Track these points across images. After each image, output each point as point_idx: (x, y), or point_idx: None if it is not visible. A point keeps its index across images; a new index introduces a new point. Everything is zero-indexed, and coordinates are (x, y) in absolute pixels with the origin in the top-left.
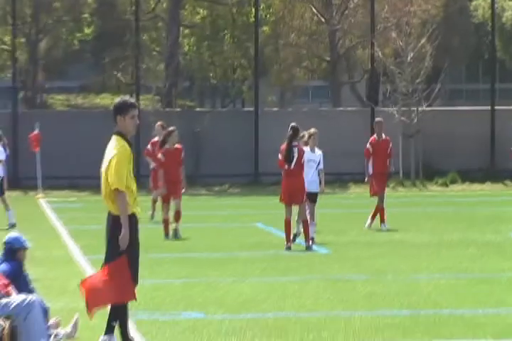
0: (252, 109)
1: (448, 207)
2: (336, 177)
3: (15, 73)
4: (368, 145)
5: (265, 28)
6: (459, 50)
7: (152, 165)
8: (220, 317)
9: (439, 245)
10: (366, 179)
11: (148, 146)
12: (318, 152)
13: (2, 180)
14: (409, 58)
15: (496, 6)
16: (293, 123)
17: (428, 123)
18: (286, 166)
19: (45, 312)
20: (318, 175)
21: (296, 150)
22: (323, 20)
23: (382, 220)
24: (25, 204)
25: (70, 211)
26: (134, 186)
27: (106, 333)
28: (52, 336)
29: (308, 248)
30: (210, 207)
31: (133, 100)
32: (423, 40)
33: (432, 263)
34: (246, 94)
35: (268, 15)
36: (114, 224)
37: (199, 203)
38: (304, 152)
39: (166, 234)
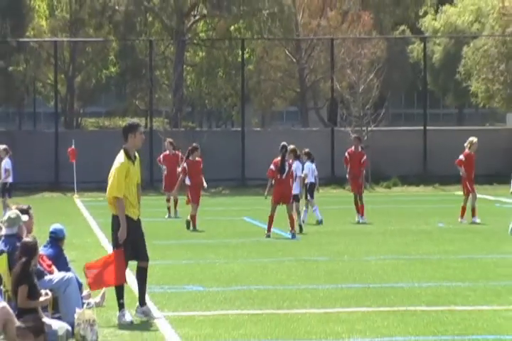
0: (239, 129)
1: (391, 204)
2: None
3: (56, 102)
4: (346, 155)
5: (250, 67)
6: (399, 83)
7: (164, 171)
8: (216, 290)
9: (384, 234)
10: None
11: (161, 156)
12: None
13: (11, 185)
14: (360, 89)
15: (427, 49)
16: (284, 143)
17: (375, 139)
18: (278, 176)
19: (80, 286)
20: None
21: (286, 164)
22: (294, 60)
23: (360, 213)
24: (64, 203)
25: (99, 208)
26: (130, 194)
27: (119, 310)
28: (85, 304)
29: (293, 236)
30: (207, 204)
31: (138, 122)
32: (371, 76)
33: (379, 248)
34: (235, 117)
35: (252, 57)
36: (113, 221)
37: (202, 201)
38: (291, 166)
39: (194, 227)
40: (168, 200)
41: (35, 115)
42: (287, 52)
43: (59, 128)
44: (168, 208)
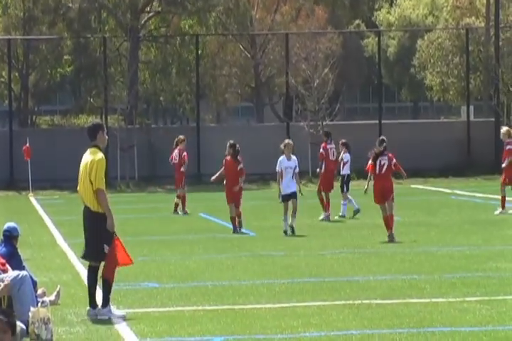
0: (194, 125)
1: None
2: (259, 177)
3: (11, 100)
4: (321, 150)
5: (204, 62)
6: (354, 77)
7: (182, 168)
8: (171, 286)
9: (340, 227)
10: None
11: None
12: (294, 158)
13: None
14: (315, 84)
15: (382, 43)
16: (382, 137)
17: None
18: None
19: (34, 284)
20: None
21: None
22: (249, 55)
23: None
24: (19, 201)
25: (54, 206)
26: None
27: (105, 306)
28: (40, 303)
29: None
30: (162, 200)
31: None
32: (326, 70)
33: (334, 242)
34: (189, 113)
35: (206, 52)
36: (92, 217)
37: (155, 198)
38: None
39: (234, 229)
40: (179, 197)
41: None
42: (242, 48)
43: (14, 127)
44: (176, 204)
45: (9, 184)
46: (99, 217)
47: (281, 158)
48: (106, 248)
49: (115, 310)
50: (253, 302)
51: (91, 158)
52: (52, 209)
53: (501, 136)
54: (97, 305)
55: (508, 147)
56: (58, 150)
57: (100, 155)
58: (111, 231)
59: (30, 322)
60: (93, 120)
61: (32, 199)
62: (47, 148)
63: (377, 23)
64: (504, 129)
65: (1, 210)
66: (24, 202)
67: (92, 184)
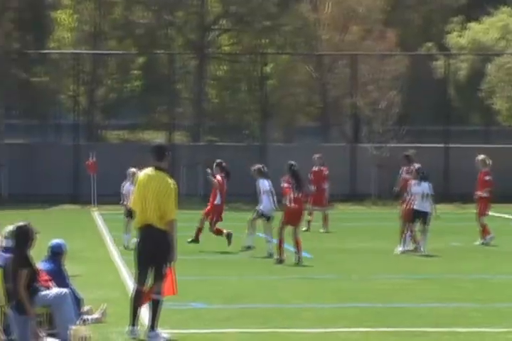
0: (260, 143)
1: None
2: None
3: (77, 114)
4: (404, 175)
5: (272, 81)
6: (423, 100)
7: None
8: (218, 307)
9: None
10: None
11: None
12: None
13: None
14: (382, 106)
15: (452, 66)
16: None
17: (397, 156)
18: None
19: (79, 302)
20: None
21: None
22: (316, 76)
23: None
24: (82, 215)
25: (116, 221)
26: None
27: (153, 329)
28: (81, 320)
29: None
30: (227, 219)
31: None
32: (393, 92)
33: (388, 266)
34: (256, 132)
35: (274, 72)
36: (158, 234)
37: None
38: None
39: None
40: (310, 214)
41: (58, 127)
42: (309, 68)
43: (80, 141)
44: (309, 222)
45: (74, 198)
46: (164, 236)
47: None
48: (165, 268)
49: (162, 334)
50: (298, 326)
51: (164, 183)
52: (113, 225)
53: None
54: (137, 324)
55: None
56: (124, 165)
57: (173, 182)
58: (172, 261)
59: (70, 340)
60: (160, 137)
61: (95, 213)
62: (113, 163)
63: (448, 46)
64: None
65: (63, 224)
66: (87, 216)
67: (157, 207)
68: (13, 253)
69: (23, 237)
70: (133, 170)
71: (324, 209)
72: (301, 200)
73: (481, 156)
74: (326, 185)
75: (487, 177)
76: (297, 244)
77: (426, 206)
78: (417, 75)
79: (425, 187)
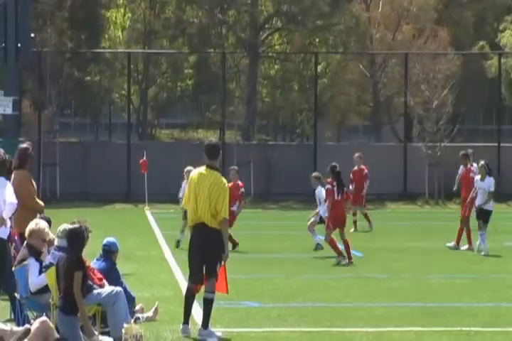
0: (312, 143)
1: None
2: (375, 197)
3: (129, 113)
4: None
5: (324, 80)
6: (476, 99)
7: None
8: (271, 306)
9: (449, 252)
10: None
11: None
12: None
13: None
14: (434, 105)
15: (506, 65)
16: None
17: (449, 155)
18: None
19: (132, 300)
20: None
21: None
22: (368, 75)
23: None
24: (134, 214)
25: (168, 220)
26: None
27: (206, 327)
28: (133, 319)
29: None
30: (277, 218)
31: None
32: (445, 91)
33: (442, 266)
34: (309, 131)
35: (326, 71)
36: (211, 233)
37: (270, 215)
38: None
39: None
40: (354, 214)
41: (111, 126)
42: (361, 67)
43: (133, 140)
44: (355, 222)
45: (126, 197)
46: (217, 234)
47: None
48: (218, 267)
49: (215, 332)
50: (351, 326)
51: (216, 182)
52: (165, 223)
53: None
54: (189, 323)
55: None
56: (176, 164)
57: (226, 181)
58: (225, 260)
59: (123, 338)
60: (212, 136)
61: (147, 212)
62: (165, 162)
63: (501, 44)
64: None
65: (116, 223)
66: (139, 215)
67: (209, 206)
68: (67, 255)
69: (76, 239)
70: (189, 168)
71: (363, 208)
72: (342, 203)
73: None
74: (365, 185)
75: None
76: (347, 245)
77: (489, 203)
78: (470, 74)
79: (490, 182)
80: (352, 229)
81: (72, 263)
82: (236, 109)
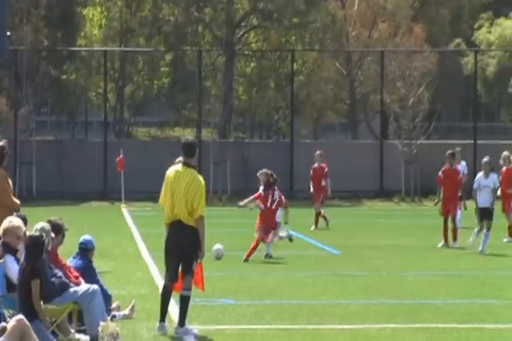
0: (288, 140)
1: (439, 219)
2: (352, 194)
3: (106, 111)
4: (439, 173)
5: (300, 78)
6: (452, 96)
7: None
8: (248, 303)
9: (426, 248)
10: (436, 201)
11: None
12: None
13: None
14: (410, 102)
15: (481, 62)
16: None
17: (425, 153)
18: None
19: (108, 298)
20: None
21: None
22: (344, 72)
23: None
24: (111, 212)
25: (144, 218)
26: None
27: (183, 325)
28: (110, 317)
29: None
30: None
31: None
32: (421, 88)
33: (419, 263)
34: (285, 129)
35: (302, 68)
36: (187, 230)
37: (247, 213)
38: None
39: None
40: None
41: (87, 124)
42: (338, 65)
43: (109, 138)
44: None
45: (103, 195)
46: (193, 232)
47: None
48: (194, 264)
49: (192, 330)
50: (327, 323)
51: (193, 180)
52: (142, 221)
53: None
54: (166, 320)
55: None
56: (153, 162)
57: (202, 179)
58: (201, 257)
59: (99, 336)
60: (188, 134)
61: (124, 210)
62: (142, 160)
63: (477, 42)
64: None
65: (92, 221)
66: (116, 213)
67: (186, 204)
68: (25, 263)
69: (35, 247)
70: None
71: (319, 206)
72: (273, 212)
73: (505, 153)
74: (324, 183)
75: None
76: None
77: (490, 200)
78: (446, 72)
79: (495, 179)
80: (312, 227)
81: (29, 272)
82: (212, 107)
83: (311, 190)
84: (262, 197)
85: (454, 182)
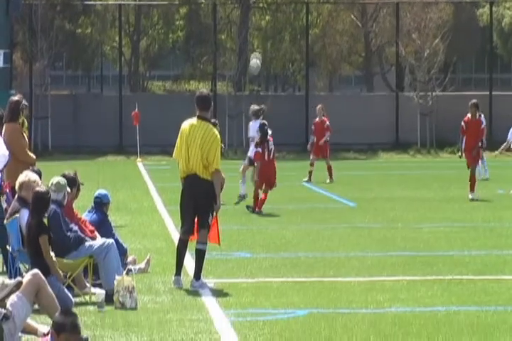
0: (303, 93)
1: (454, 170)
2: (368, 147)
3: (121, 65)
4: (462, 124)
5: (315, 30)
6: (467, 48)
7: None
8: (263, 256)
9: (442, 200)
10: (459, 153)
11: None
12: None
13: None
14: (425, 54)
15: (497, 13)
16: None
17: (440, 104)
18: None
19: (124, 252)
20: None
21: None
22: (359, 25)
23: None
24: (127, 166)
25: (160, 172)
26: None
27: (199, 278)
28: (125, 271)
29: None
30: None
31: None
32: (437, 40)
33: (434, 215)
34: (301, 81)
35: (317, 21)
36: (203, 184)
37: None
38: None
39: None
40: (311, 164)
41: (103, 78)
42: (353, 17)
43: (124, 92)
44: (310, 172)
45: (119, 149)
46: (209, 185)
47: None
48: (210, 218)
49: (207, 283)
50: (343, 275)
51: (208, 133)
52: (157, 175)
53: None
54: (181, 274)
55: None
56: (168, 116)
57: (217, 132)
58: (217, 211)
59: (115, 290)
60: (204, 87)
61: (139, 164)
62: (157, 114)
63: None
64: None
65: (108, 175)
66: (131, 167)
67: (201, 157)
68: (31, 218)
69: (40, 203)
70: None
71: (327, 159)
72: (272, 163)
73: None
74: (327, 136)
75: None
76: (264, 198)
77: None
78: (461, 23)
79: None
80: (305, 179)
81: (35, 228)
82: (227, 60)
83: (310, 143)
84: (260, 154)
85: (477, 133)
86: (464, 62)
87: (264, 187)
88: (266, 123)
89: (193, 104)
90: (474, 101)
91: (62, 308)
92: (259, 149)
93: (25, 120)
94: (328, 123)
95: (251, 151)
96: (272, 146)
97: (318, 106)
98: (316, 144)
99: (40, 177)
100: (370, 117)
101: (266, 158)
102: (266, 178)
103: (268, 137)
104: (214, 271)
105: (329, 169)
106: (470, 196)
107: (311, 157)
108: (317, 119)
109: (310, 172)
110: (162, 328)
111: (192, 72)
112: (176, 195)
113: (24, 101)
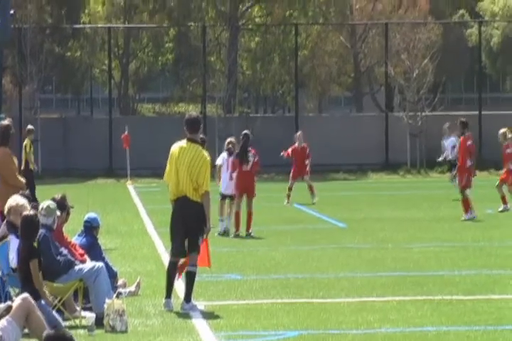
0: (293, 114)
1: (443, 190)
2: (357, 167)
3: (111, 88)
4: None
5: (304, 51)
6: (457, 68)
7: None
8: (253, 278)
9: (431, 220)
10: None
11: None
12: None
13: None
14: (414, 74)
15: (485, 33)
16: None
17: (430, 124)
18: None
19: (114, 275)
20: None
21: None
22: (348, 46)
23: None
24: (117, 189)
25: (150, 194)
26: None
27: (189, 301)
28: (115, 294)
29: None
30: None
31: None
32: (426, 60)
33: (424, 235)
34: (290, 103)
35: (306, 42)
36: (193, 206)
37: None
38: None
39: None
40: (289, 189)
41: (92, 101)
42: (342, 38)
43: (114, 115)
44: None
45: (108, 172)
46: (199, 207)
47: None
48: (200, 240)
49: (198, 306)
50: (333, 296)
51: (198, 155)
52: (148, 198)
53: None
54: (172, 296)
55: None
56: (158, 138)
57: (206, 154)
58: (207, 233)
59: (105, 313)
60: (193, 109)
61: (130, 187)
62: (147, 136)
63: (480, 13)
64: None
65: (98, 198)
66: (121, 190)
67: (191, 179)
68: (21, 243)
69: (29, 226)
70: (230, 139)
71: (305, 177)
72: (250, 173)
73: (502, 130)
74: (307, 162)
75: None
76: (249, 217)
77: None
78: (450, 43)
79: None
80: (285, 202)
81: (26, 252)
82: (217, 82)
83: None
84: (235, 164)
85: (467, 152)
86: (453, 82)
87: (246, 199)
88: (248, 133)
89: (182, 126)
90: (462, 119)
91: (50, 326)
92: (236, 158)
93: (31, 144)
94: (308, 150)
95: (223, 182)
96: (251, 158)
97: (299, 133)
98: (295, 168)
99: (29, 202)
100: (359, 138)
101: (244, 169)
102: (244, 189)
103: (248, 148)
104: (204, 293)
105: (310, 188)
106: (463, 217)
107: (290, 181)
108: (296, 145)
109: (288, 196)
110: None
111: (181, 94)
112: (166, 217)
113: (30, 126)
